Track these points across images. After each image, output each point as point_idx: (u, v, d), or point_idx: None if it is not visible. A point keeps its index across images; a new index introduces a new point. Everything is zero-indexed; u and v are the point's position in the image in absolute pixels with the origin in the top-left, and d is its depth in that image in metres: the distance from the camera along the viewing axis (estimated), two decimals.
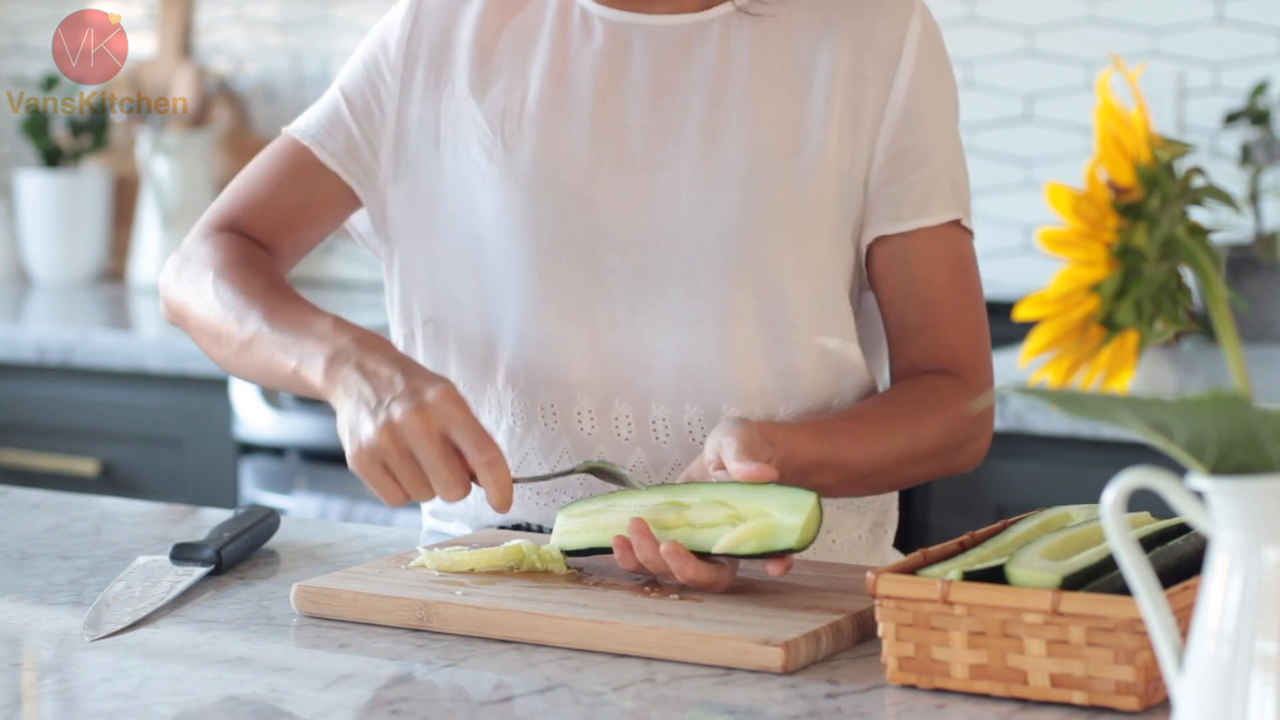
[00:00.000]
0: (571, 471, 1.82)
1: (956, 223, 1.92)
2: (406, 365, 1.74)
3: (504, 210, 1.90)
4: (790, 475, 1.77)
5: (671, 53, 1.92)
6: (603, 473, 1.83)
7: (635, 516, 1.67)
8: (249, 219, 1.97)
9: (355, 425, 1.71)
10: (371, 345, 1.76)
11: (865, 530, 1.97)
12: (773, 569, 1.65)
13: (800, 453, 1.77)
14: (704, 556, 1.65)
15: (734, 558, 1.65)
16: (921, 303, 1.91)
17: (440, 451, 1.68)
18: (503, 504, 1.69)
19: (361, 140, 1.96)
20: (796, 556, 1.86)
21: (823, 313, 1.90)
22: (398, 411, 1.69)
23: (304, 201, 1.97)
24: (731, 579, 1.66)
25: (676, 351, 1.88)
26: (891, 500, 2.01)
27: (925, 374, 1.91)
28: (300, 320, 1.82)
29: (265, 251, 1.96)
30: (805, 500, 1.64)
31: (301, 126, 1.99)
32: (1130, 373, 1.20)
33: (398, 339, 1.98)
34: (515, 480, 1.73)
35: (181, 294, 1.95)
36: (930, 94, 1.91)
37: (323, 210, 1.98)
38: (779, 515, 1.64)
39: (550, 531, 1.92)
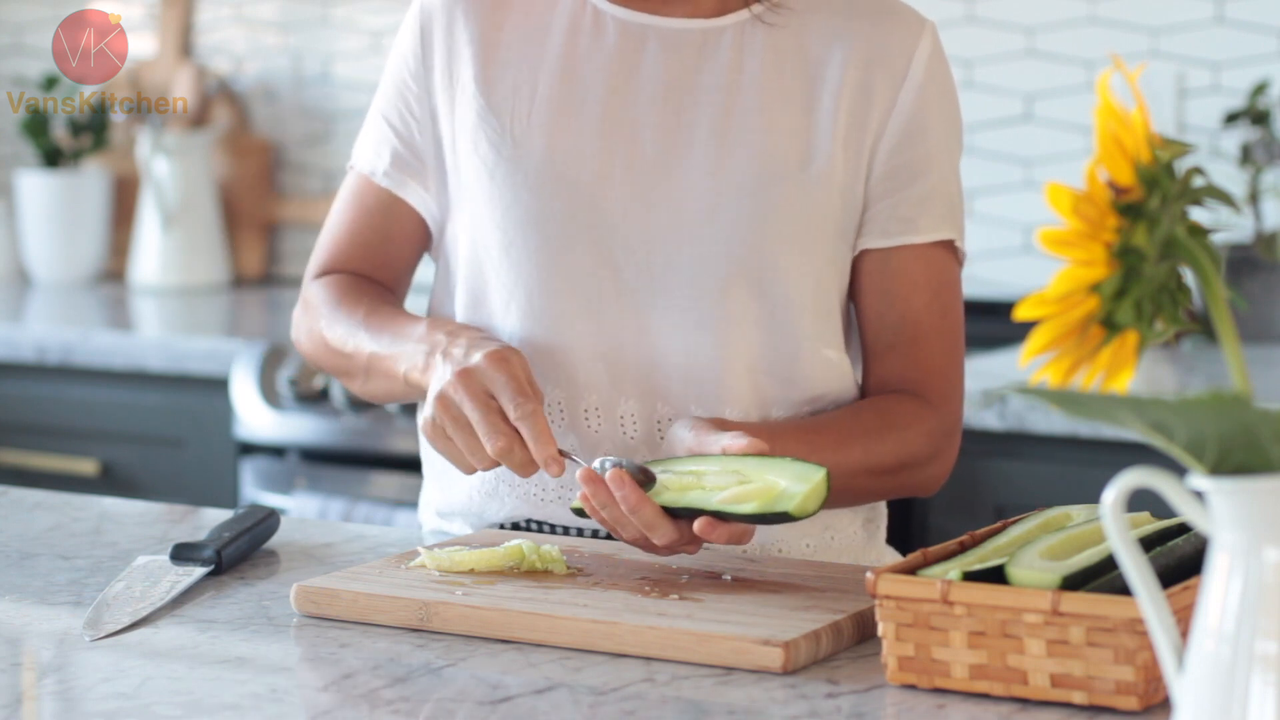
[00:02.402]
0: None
1: (948, 245, 1.92)
2: (474, 339, 1.81)
3: (512, 205, 1.90)
4: None
5: (685, 55, 1.91)
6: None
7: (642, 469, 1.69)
8: (340, 264, 2.02)
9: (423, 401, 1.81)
10: (457, 331, 1.84)
11: (859, 526, 1.97)
12: (702, 528, 1.65)
13: None
14: (722, 518, 1.66)
15: (731, 518, 1.65)
16: (898, 322, 1.91)
17: (481, 407, 1.74)
18: (540, 459, 1.72)
19: (409, 156, 1.97)
20: (796, 556, 1.86)
21: (822, 321, 1.91)
22: (447, 378, 1.76)
23: (385, 233, 2.00)
24: (686, 540, 1.68)
25: (682, 353, 1.88)
26: None
27: (891, 393, 1.91)
28: (398, 331, 1.89)
29: (365, 279, 2.00)
30: (814, 473, 1.64)
31: (360, 161, 2.01)
32: (1130, 373, 1.20)
33: None
34: (562, 453, 1.74)
35: (309, 346, 2.02)
36: (934, 113, 1.91)
37: (403, 237, 2.00)
38: (785, 483, 1.65)
39: (550, 530, 1.92)
